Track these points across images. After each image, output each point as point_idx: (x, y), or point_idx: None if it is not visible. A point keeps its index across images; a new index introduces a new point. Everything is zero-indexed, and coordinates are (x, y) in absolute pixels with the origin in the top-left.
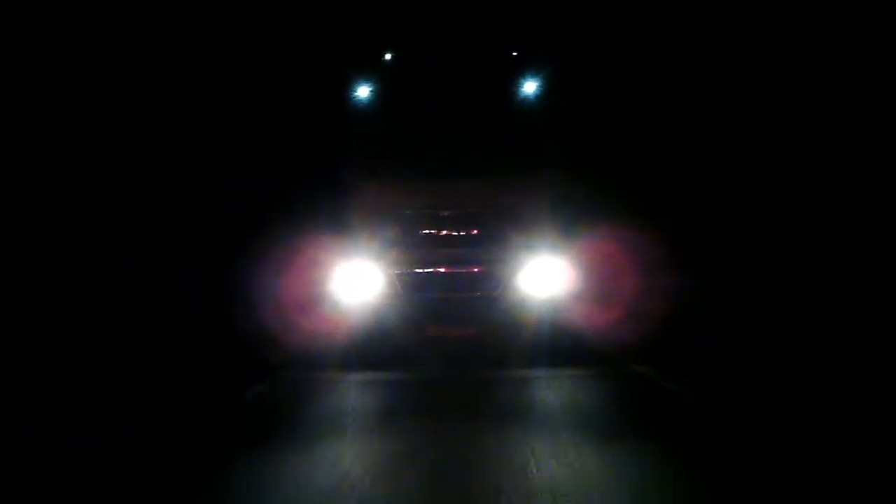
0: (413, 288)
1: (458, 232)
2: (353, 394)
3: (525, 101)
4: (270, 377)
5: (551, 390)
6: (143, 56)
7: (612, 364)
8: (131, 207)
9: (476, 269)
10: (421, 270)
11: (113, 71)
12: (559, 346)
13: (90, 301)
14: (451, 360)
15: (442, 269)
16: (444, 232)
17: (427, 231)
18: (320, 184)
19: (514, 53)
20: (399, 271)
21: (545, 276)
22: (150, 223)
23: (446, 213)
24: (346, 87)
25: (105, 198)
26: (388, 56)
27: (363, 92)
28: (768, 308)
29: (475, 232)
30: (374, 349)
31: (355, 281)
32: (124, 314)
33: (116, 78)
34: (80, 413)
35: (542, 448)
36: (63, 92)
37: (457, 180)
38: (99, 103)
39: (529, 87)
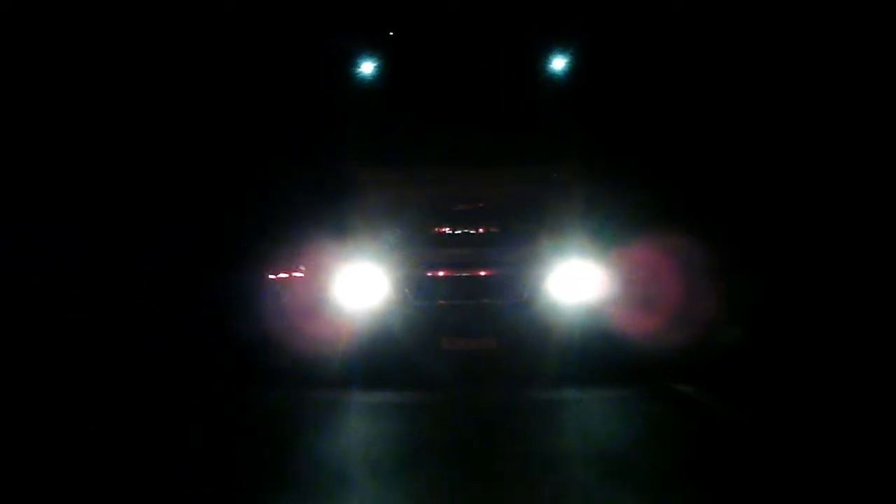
0: (425, 294)
1: (477, 229)
2: (352, 422)
3: (554, 82)
4: (261, 395)
5: (588, 416)
6: (135, 48)
7: (656, 383)
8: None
9: (498, 273)
10: (434, 274)
11: (105, 69)
12: (594, 361)
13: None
14: (468, 378)
15: (458, 273)
16: (461, 229)
17: (440, 228)
18: (320, 176)
19: (546, 27)
20: (408, 274)
21: (578, 281)
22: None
23: (463, 208)
24: (348, 63)
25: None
26: (392, 33)
27: (367, 68)
28: (829, 315)
29: (496, 230)
30: (380, 364)
31: (358, 286)
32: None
33: (110, 77)
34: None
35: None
36: (63, 95)
37: (475, 170)
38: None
39: (558, 64)
